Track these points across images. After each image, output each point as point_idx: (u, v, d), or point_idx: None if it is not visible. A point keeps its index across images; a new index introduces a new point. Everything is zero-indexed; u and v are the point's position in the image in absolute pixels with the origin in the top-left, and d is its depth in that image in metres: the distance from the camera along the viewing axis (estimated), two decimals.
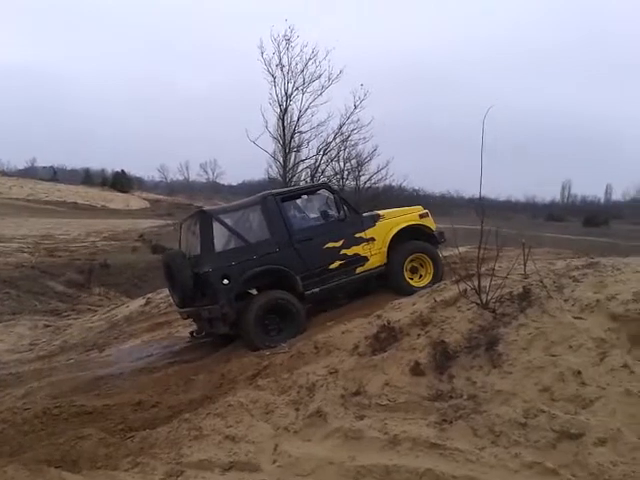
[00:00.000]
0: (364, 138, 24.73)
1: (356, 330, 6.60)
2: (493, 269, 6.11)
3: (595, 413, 4.15)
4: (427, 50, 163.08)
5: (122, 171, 69.89)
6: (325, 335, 6.85)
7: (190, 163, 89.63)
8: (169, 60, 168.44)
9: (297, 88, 23.95)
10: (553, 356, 4.75)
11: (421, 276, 9.13)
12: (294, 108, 24.32)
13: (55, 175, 71.46)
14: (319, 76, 23.55)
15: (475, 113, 6.91)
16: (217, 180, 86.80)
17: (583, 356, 4.67)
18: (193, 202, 59.02)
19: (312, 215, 9.25)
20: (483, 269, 6.08)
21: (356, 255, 8.76)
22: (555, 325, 5.06)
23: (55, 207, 50.58)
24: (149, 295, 14.31)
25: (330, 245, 8.64)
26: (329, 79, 23.42)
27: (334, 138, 24.47)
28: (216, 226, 8.30)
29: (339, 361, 5.91)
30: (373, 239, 8.90)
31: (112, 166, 76.77)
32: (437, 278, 8.79)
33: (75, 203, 55.33)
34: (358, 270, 8.78)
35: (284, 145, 24.41)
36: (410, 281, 8.96)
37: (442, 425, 4.46)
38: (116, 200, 59.79)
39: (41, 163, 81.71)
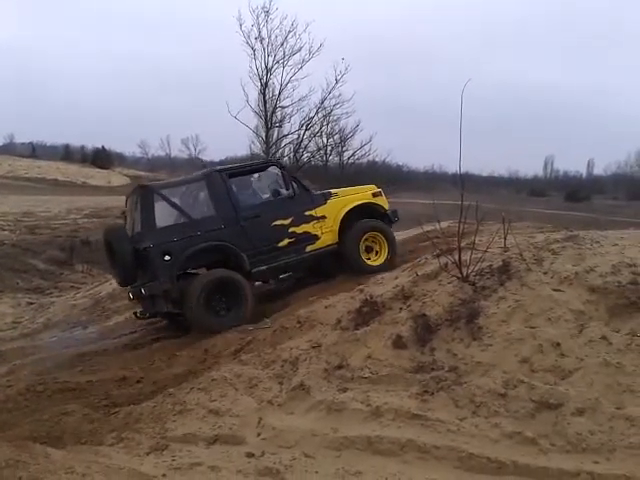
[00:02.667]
0: (346, 113, 24.80)
1: (339, 305, 6.65)
2: (473, 243, 6.16)
3: (574, 384, 4.22)
4: (407, 22, 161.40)
5: (102, 147, 68.78)
6: (308, 310, 6.89)
7: (171, 138, 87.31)
8: (149, 33, 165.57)
9: (277, 62, 23.80)
10: (532, 328, 4.82)
11: (377, 253, 9.07)
12: (275, 82, 24.15)
13: (34, 151, 70.10)
14: (299, 49, 23.45)
15: (456, 88, 6.88)
16: (199, 156, 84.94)
17: (562, 328, 4.75)
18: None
19: (261, 193, 9.06)
20: (464, 243, 6.12)
21: (306, 233, 8.64)
22: (534, 298, 5.13)
23: (35, 184, 49.66)
24: None
25: (278, 222, 8.49)
26: (309, 52, 23.32)
27: (316, 113, 24.40)
28: (158, 201, 8.09)
29: (322, 335, 5.95)
30: (324, 217, 8.79)
31: (92, 142, 75.53)
32: (391, 257, 8.85)
33: (55, 180, 54.32)
34: (308, 248, 8.65)
35: (266, 120, 24.23)
36: (367, 260, 8.93)
37: (424, 396, 4.51)
38: (97, 177, 58.82)
39: (19, 139, 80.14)
